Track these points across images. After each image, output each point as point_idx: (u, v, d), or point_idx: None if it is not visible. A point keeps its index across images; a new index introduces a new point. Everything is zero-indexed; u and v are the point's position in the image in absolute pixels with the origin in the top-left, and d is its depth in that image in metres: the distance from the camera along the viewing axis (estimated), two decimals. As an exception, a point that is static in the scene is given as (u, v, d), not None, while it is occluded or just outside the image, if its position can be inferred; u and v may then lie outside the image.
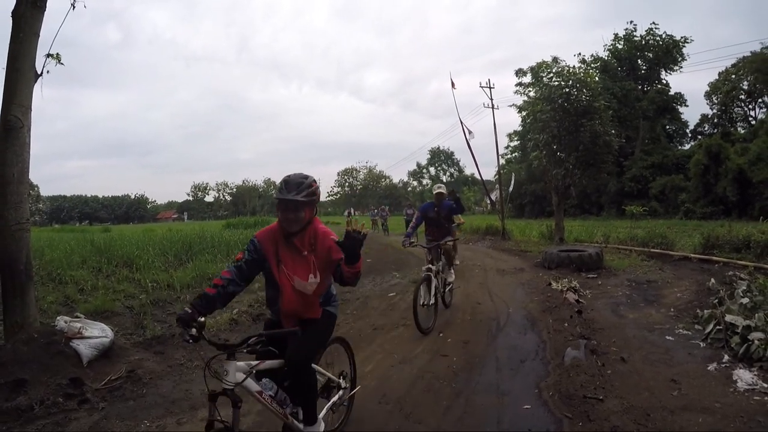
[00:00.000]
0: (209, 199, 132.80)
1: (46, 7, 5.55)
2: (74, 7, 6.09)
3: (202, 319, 2.88)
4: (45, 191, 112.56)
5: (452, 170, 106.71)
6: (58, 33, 5.86)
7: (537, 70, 40.27)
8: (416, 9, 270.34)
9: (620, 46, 48.52)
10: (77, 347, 5.20)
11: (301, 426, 3.26)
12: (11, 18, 5.37)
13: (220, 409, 2.72)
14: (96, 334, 5.46)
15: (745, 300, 6.54)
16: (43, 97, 5.74)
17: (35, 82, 5.51)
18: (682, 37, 46.49)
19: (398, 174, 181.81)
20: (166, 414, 4.41)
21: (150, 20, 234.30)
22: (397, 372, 5.35)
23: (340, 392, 3.86)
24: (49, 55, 5.71)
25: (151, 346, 6.27)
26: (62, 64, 5.85)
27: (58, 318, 5.75)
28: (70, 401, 4.47)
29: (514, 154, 64.18)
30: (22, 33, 5.33)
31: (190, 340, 2.83)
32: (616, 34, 48.93)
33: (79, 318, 5.92)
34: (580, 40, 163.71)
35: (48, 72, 5.70)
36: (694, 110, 62.81)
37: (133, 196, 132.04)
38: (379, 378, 5.16)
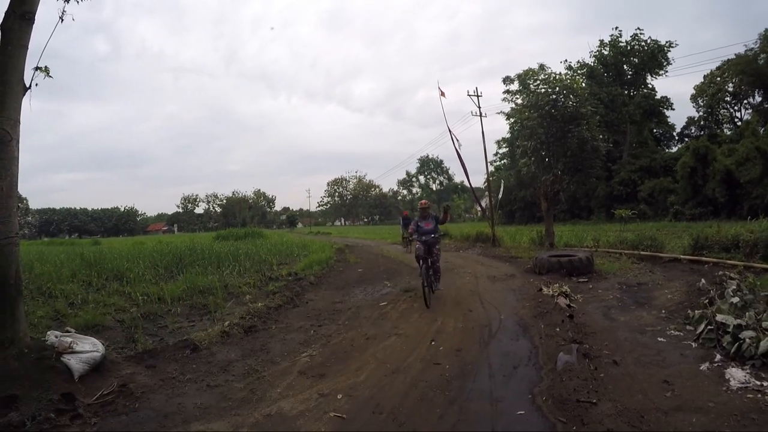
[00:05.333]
0: (199, 210, 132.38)
1: (34, 20, 5.54)
2: (62, 20, 6.08)
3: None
4: (34, 204, 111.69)
5: (441, 178, 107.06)
6: (46, 46, 5.85)
7: (524, 78, 40.44)
8: (403, 18, 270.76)
9: (606, 52, 48.87)
10: (68, 362, 5.16)
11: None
12: (-1, 30, 5.36)
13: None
14: (87, 348, 5.42)
15: (736, 299, 6.58)
16: (32, 109, 5.73)
17: (24, 95, 5.50)
18: (666, 42, 46.94)
19: (388, 183, 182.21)
20: (158, 428, 4.37)
21: (138, 33, 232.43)
22: (391, 381, 5.34)
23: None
24: (37, 68, 5.70)
25: (143, 360, 6.22)
26: (51, 76, 5.84)
27: (48, 333, 5.71)
28: (62, 417, 4.43)
29: (503, 161, 64.46)
30: (10, 46, 5.32)
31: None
32: (601, 41, 49.32)
33: (69, 332, 5.89)
34: (567, 47, 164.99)
35: (36, 85, 5.69)
36: (681, 113, 63.68)
37: (122, 209, 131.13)
38: (373, 388, 5.14)
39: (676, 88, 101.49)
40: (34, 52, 5.59)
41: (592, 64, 49.46)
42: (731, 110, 53.46)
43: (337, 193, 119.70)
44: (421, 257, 9.42)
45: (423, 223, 9.81)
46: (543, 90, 19.46)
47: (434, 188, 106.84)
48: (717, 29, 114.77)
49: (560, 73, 20.86)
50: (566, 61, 51.00)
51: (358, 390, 5.07)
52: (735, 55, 46.71)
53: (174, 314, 8.87)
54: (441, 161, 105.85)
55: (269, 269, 14.76)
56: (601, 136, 20.70)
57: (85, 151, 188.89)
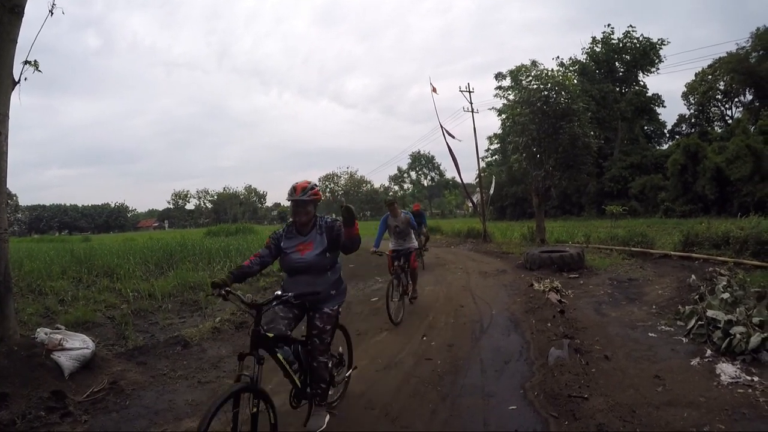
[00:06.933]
0: (190, 206, 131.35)
1: (23, 13, 5.47)
2: (52, 14, 6.00)
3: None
4: (24, 201, 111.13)
5: (433, 174, 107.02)
6: (36, 39, 5.78)
7: (516, 74, 40.61)
8: (397, 14, 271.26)
9: (598, 49, 49.08)
10: (58, 359, 5.12)
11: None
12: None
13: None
14: (77, 345, 5.38)
15: (726, 295, 6.63)
16: (21, 104, 5.68)
17: (13, 89, 5.43)
18: (659, 39, 47.29)
19: (379, 179, 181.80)
20: (149, 425, 4.35)
21: (130, 27, 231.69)
22: (382, 377, 5.35)
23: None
24: (27, 62, 5.63)
25: (134, 357, 6.19)
26: (40, 71, 5.77)
27: (38, 330, 5.66)
28: (52, 414, 4.39)
29: (494, 157, 64.57)
30: (-1, 40, 5.26)
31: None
32: (594, 38, 49.61)
33: (59, 329, 5.83)
34: (559, 43, 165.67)
35: (26, 79, 5.62)
36: (672, 110, 64.11)
37: (113, 205, 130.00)
38: (365, 383, 5.14)
39: (668, 85, 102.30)
40: (24, 47, 5.54)
41: (584, 60, 49.70)
42: (722, 108, 53.78)
43: (328, 189, 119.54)
44: (281, 350, 3.84)
45: (295, 242, 4.11)
46: (535, 86, 19.57)
47: (425, 184, 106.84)
48: (709, 27, 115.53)
49: (552, 69, 20.93)
50: (558, 57, 51.15)
51: (350, 386, 5.05)
52: (727, 53, 47.17)
53: (165, 311, 8.82)
54: (432, 157, 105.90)
55: (261, 265, 14.70)
56: (592, 133, 20.82)
57: (76, 146, 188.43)
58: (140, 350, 6.43)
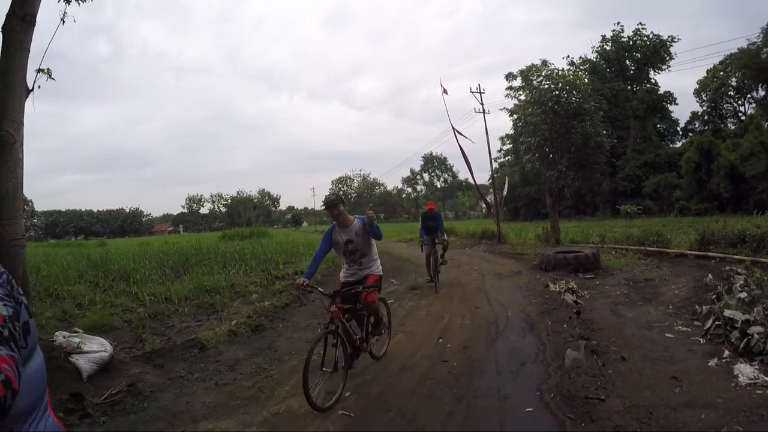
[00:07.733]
0: (204, 210, 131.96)
1: (35, 21, 5.54)
2: (64, 22, 6.09)
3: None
4: (39, 206, 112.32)
5: (446, 176, 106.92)
6: (48, 47, 5.86)
7: (527, 74, 40.53)
8: (405, 16, 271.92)
9: (608, 48, 48.89)
10: (76, 362, 5.18)
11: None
12: (1, 33, 5.35)
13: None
14: (95, 348, 5.44)
15: (743, 294, 6.56)
16: (35, 111, 5.74)
17: (26, 97, 5.49)
18: (669, 37, 47.02)
19: (392, 181, 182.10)
20: (167, 427, 4.38)
21: (140, 33, 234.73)
22: (398, 379, 5.34)
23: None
24: (39, 70, 5.70)
25: (151, 360, 6.24)
26: (53, 78, 5.85)
27: (56, 333, 5.73)
28: (71, 416, 4.44)
29: (507, 158, 64.36)
30: (12, 48, 5.32)
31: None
32: (603, 36, 49.42)
33: (77, 333, 5.90)
34: (569, 43, 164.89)
35: (39, 87, 5.69)
36: (684, 108, 63.60)
37: (128, 210, 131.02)
38: (380, 385, 5.14)
39: (679, 83, 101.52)
40: (36, 55, 5.60)
41: (595, 59, 49.59)
42: (735, 105, 53.30)
43: (341, 192, 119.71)
44: None
45: None
46: (546, 86, 19.51)
47: (438, 185, 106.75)
48: (720, 24, 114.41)
49: (563, 68, 20.88)
50: (569, 56, 51.03)
51: (366, 388, 5.06)
52: (738, 49, 46.67)
53: (181, 314, 8.86)
54: (445, 158, 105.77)
55: (275, 268, 14.73)
56: (604, 132, 20.73)
57: (90, 152, 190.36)
58: (157, 353, 6.48)
